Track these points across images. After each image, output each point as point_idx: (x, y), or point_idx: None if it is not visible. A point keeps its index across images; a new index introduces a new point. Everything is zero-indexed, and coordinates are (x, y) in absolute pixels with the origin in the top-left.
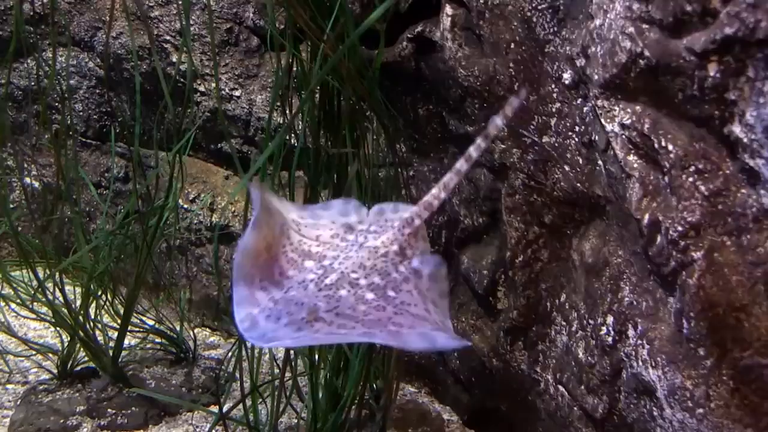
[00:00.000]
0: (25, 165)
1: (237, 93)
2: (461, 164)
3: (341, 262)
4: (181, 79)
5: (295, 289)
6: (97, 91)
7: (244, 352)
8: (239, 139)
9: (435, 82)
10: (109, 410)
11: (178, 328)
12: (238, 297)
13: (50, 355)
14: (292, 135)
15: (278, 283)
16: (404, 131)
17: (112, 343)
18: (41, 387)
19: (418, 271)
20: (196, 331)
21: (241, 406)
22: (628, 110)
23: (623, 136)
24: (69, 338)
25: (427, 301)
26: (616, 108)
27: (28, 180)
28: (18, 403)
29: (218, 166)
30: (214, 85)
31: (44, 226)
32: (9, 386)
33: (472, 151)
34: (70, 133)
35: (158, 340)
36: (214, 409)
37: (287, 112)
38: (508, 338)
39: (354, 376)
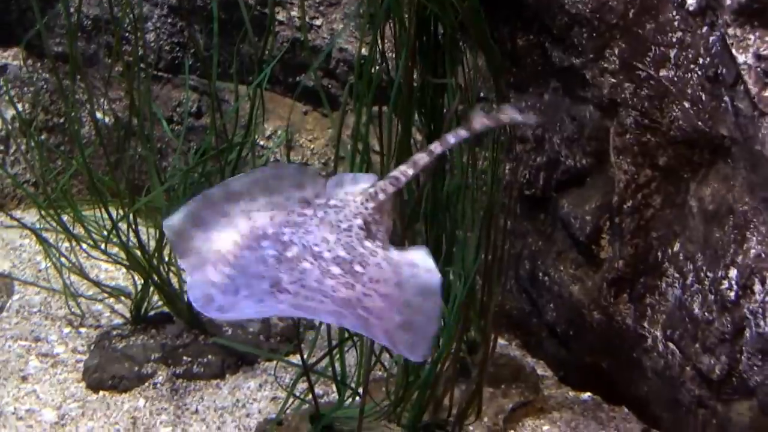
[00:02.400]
0: (96, 99)
1: (318, 22)
2: (435, 146)
3: (301, 236)
4: (258, 7)
5: (254, 265)
6: (169, 20)
7: None
8: (319, 72)
9: (538, 10)
10: (184, 358)
11: None
12: (191, 279)
13: (123, 298)
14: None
15: (233, 264)
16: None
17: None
18: (115, 332)
19: (385, 246)
20: None
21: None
22: (766, 39)
23: (758, 69)
24: (143, 282)
25: (399, 273)
26: (751, 36)
27: (99, 115)
28: (91, 347)
29: (296, 100)
30: (294, 13)
31: (115, 164)
32: (82, 329)
33: (450, 137)
34: (142, 65)
35: None
36: (294, 360)
37: (378, 42)
38: (611, 290)
39: (449, 328)
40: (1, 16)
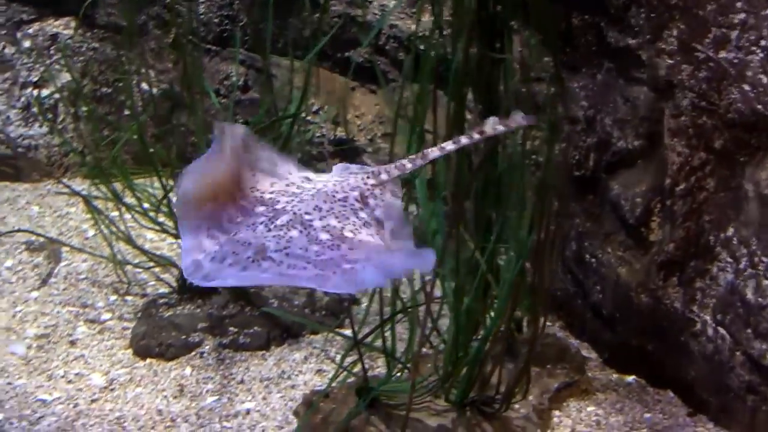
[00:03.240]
0: (143, 70)
1: None
2: (448, 144)
3: (294, 204)
4: None
5: (243, 232)
6: None
7: None
8: (369, 47)
9: None
10: (230, 328)
11: None
12: (185, 247)
13: (169, 268)
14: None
15: (226, 229)
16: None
17: None
18: (161, 301)
19: (381, 222)
20: None
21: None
22: None
23: None
24: None
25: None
26: None
27: (145, 86)
28: (138, 315)
29: (344, 75)
30: None
31: (162, 135)
32: (128, 298)
33: (463, 138)
34: (192, 38)
35: None
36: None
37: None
38: (660, 273)
39: (500, 305)
40: None
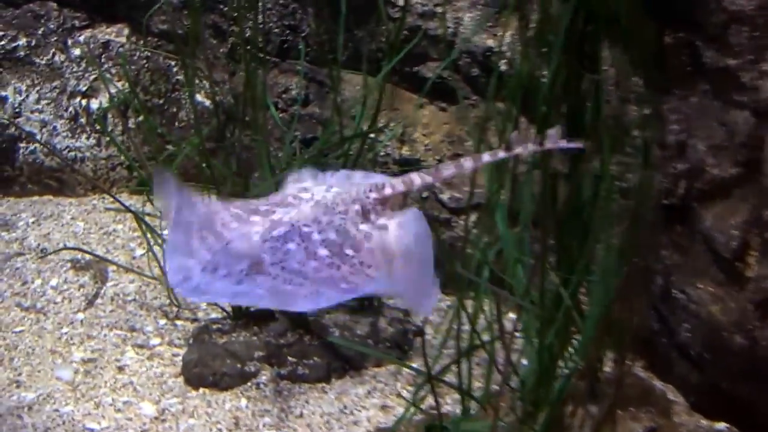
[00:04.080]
0: (197, 81)
1: (441, 9)
2: (467, 161)
3: (292, 216)
4: None
5: (237, 241)
6: (280, 1)
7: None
8: (439, 62)
9: (691, 6)
10: (289, 358)
11: None
12: (172, 243)
13: None
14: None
15: (218, 234)
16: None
17: None
18: (214, 326)
19: (385, 226)
20: None
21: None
22: None
23: None
24: None
25: (395, 262)
26: None
27: (199, 97)
28: (189, 341)
29: (411, 92)
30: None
31: (220, 151)
32: (178, 322)
33: (486, 156)
34: (250, 48)
35: None
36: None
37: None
38: (758, 312)
39: (585, 341)
40: None
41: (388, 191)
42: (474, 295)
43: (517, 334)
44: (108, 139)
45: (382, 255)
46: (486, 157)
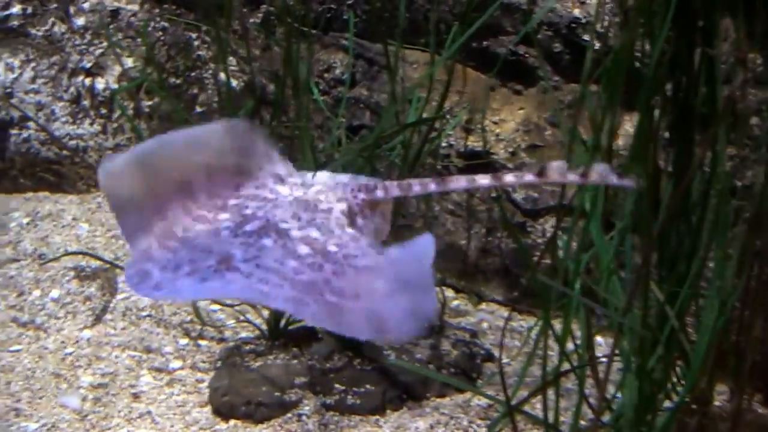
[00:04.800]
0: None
1: None
2: (483, 179)
3: (268, 210)
4: None
5: (203, 237)
6: None
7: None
8: (514, 36)
9: None
10: (336, 385)
11: None
12: (131, 263)
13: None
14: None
15: (181, 238)
16: None
17: None
18: (247, 347)
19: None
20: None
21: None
22: None
23: None
24: None
25: (385, 269)
26: None
27: (223, 76)
28: (217, 364)
29: (480, 71)
30: None
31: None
32: (202, 342)
33: (510, 177)
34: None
35: None
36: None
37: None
38: None
39: (694, 369)
40: None
41: (379, 194)
42: (562, 312)
43: (609, 359)
44: (115, 126)
45: (369, 248)
46: (510, 177)
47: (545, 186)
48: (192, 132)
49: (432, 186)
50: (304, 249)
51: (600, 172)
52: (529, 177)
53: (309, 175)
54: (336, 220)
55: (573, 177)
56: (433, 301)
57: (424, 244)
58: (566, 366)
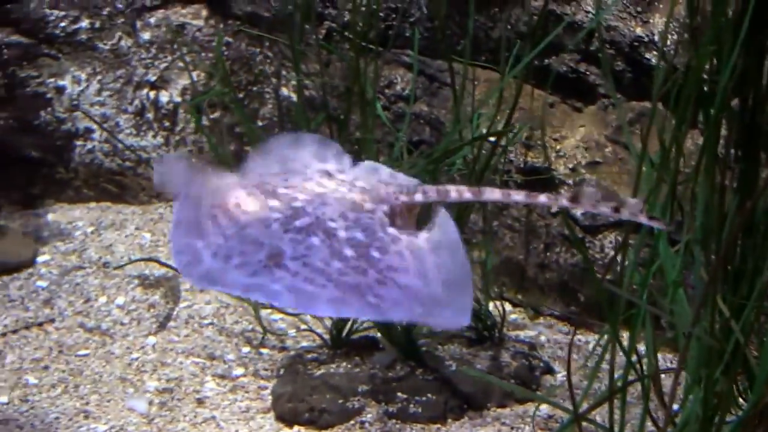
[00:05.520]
0: (284, 72)
1: None
2: (517, 195)
3: (316, 207)
4: None
5: (255, 227)
6: None
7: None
8: (575, 54)
9: None
10: (398, 394)
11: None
12: (178, 220)
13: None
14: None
15: (233, 216)
16: None
17: None
18: (309, 356)
19: (413, 234)
20: (491, 306)
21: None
22: None
23: None
24: None
25: (425, 267)
26: None
27: (285, 91)
28: (280, 372)
29: (539, 88)
30: None
31: None
32: (263, 351)
33: (543, 198)
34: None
35: None
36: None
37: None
38: None
39: (759, 382)
40: None
41: (418, 197)
42: (629, 324)
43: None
44: (177, 138)
45: (412, 260)
46: (543, 198)
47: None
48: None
49: (467, 194)
50: (349, 251)
51: (632, 209)
52: (563, 201)
53: (356, 168)
54: (379, 220)
55: (604, 209)
56: (471, 296)
57: (451, 232)
58: (630, 377)
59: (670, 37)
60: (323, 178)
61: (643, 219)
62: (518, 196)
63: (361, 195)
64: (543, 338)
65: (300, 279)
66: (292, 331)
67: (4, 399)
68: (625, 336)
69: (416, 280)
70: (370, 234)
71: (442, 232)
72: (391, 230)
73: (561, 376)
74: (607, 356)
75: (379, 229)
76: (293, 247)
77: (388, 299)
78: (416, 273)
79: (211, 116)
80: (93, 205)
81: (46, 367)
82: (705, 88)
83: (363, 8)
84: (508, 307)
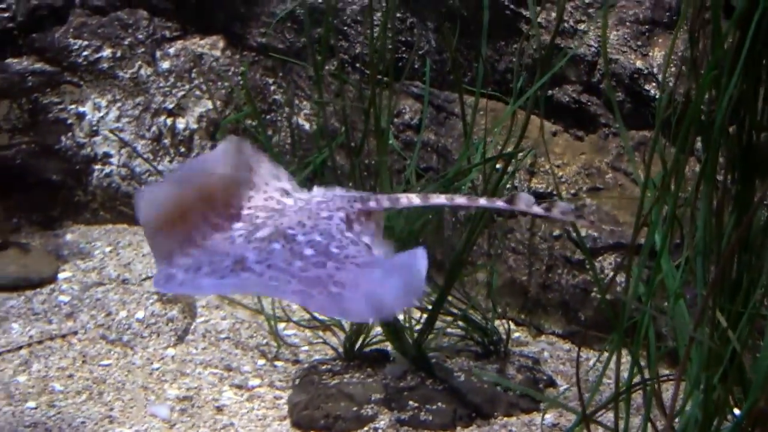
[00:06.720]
0: (297, 101)
1: (582, 26)
2: (461, 199)
3: (276, 219)
4: (510, 5)
5: (220, 245)
6: (398, 14)
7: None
8: (578, 85)
9: None
10: (410, 402)
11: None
12: (158, 272)
13: (325, 332)
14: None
15: (201, 246)
16: None
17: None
18: (323, 367)
19: (369, 247)
20: (495, 324)
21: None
22: None
23: None
24: None
25: (378, 256)
26: None
27: (298, 119)
28: (296, 382)
29: (544, 117)
30: (554, 15)
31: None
32: (278, 363)
33: (483, 201)
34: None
35: (461, 325)
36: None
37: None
38: None
39: (756, 388)
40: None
41: (372, 204)
42: (634, 332)
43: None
44: None
45: (366, 252)
46: (482, 201)
47: (604, 226)
48: (206, 155)
49: (416, 200)
50: (308, 251)
51: (562, 209)
52: (500, 203)
53: (309, 190)
54: (336, 226)
55: (538, 210)
56: (422, 278)
57: (417, 251)
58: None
59: (669, 69)
60: (282, 197)
61: (571, 217)
62: (461, 199)
63: (317, 206)
64: (546, 354)
65: (266, 278)
66: (305, 347)
67: (32, 404)
68: (624, 353)
69: (371, 265)
70: (327, 236)
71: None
72: (348, 234)
73: (563, 388)
74: (610, 365)
75: (336, 232)
76: (257, 253)
77: (347, 283)
78: (369, 260)
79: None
80: (110, 226)
81: (70, 376)
82: (703, 117)
83: (377, 42)
84: (511, 325)
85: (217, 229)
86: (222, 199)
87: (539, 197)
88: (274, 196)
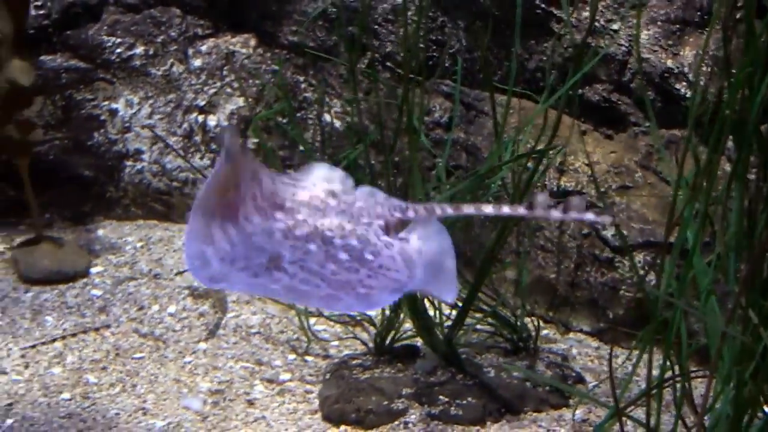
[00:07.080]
0: (327, 99)
1: (615, 26)
2: (488, 207)
3: (316, 219)
4: (541, 4)
5: (259, 235)
6: (429, 13)
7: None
8: (608, 84)
9: None
10: (440, 397)
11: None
12: (192, 228)
13: (358, 327)
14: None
15: (240, 225)
16: None
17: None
18: (354, 362)
19: (406, 238)
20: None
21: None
22: None
23: None
24: (392, 308)
25: (414, 259)
26: None
27: (327, 117)
28: (326, 376)
29: (574, 117)
30: (585, 14)
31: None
32: (308, 358)
33: (506, 208)
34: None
35: (491, 321)
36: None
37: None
38: None
39: None
40: None
41: (410, 214)
42: (665, 328)
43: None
44: None
45: (403, 261)
46: (506, 209)
47: (632, 224)
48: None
49: (449, 210)
50: (343, 256)
51: (577, 207)
52: (521, 210)
53: (356, 191)
54: (374, 231)
55: (556, 213)
56: (454, 285)
57: (444, 241)
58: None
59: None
60: (327, 197)
61: (589, 215)
62: (488, 209)
63: (358, 210)
64: (574, 351)
65: (297, 280)
66: (335, 342)
67: (67, 396)
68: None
69: (404, 272)
70: (364, 241)
71: (434, 231)
72: (385, 238)
73: (592, 385)
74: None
75: (373, 238)
76: (292, 252)
77: (377, 287)
78: (405, 267)
79: (255, 140)
80: (141, 222)
81: (104, 368)
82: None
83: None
84: (540, 323)
85: (259, 212)
86: (269, 188)
87: (566, 195)
88: (320, 195)
